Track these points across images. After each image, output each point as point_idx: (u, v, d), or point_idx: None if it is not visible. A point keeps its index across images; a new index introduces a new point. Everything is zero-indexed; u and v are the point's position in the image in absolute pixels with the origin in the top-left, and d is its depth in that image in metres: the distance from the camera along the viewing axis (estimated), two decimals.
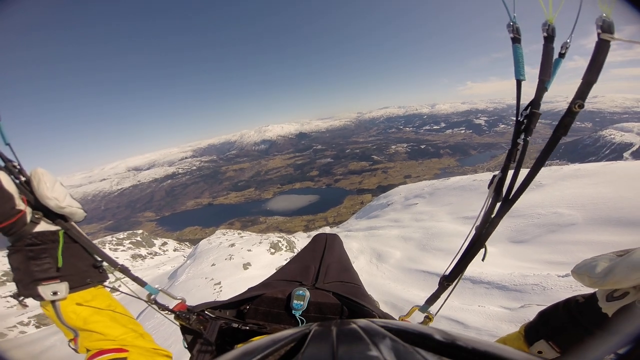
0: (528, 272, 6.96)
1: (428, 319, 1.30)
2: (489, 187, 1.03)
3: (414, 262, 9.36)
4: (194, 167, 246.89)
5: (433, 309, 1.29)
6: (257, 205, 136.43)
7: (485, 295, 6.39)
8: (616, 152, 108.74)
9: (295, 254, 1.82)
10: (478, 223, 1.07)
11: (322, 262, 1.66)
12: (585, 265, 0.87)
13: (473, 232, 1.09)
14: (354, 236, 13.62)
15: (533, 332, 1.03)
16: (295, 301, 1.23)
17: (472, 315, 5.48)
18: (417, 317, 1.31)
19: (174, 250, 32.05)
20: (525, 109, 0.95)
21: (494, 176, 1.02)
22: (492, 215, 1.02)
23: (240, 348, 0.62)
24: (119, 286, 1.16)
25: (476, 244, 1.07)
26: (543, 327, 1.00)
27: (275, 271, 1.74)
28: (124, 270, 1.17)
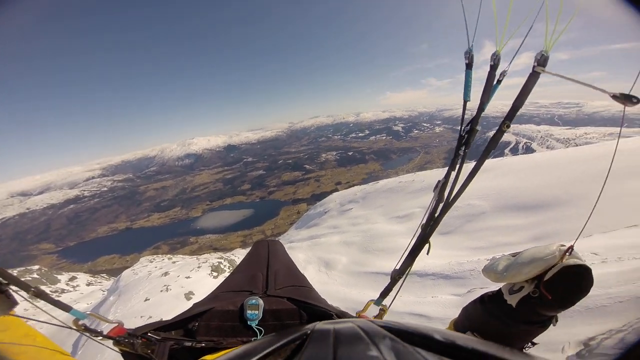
0: (462, 259, 7.97)
1: (382, 311, 1.36)
2: (433, 191, 1.21)
3: (361, 265, 9.82)
4: (105, 188, 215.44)
5: (387, 301, 1.39)
6: (185, 225, 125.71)
7: (434, 286, 7.08)
8: (500, 149, 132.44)
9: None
10: (424, 222, 1.24)
11: (269, 269, 1.61)
12: (491, 265, 1.12)
13: (419, 230, 1.26)
14: (298, 247, 13.64)
15: (460, 326, 1.15)
16: (249, 311, 1.19)
17: (429, 306, 6.01)
18: (373, 311, 1.37)
19: (88, 284, 27.40)
20: (467, 125, 1.15)
21: (439, 181, 1.20)
22: (436, 215, 1.20)
23: (240, 348, 0.61)
24: (33, 315, 1.02)
25: (422, 240, 1.25)
26: (467, 321, 1.12)
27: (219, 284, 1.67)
28: (40, 294, 1.02)
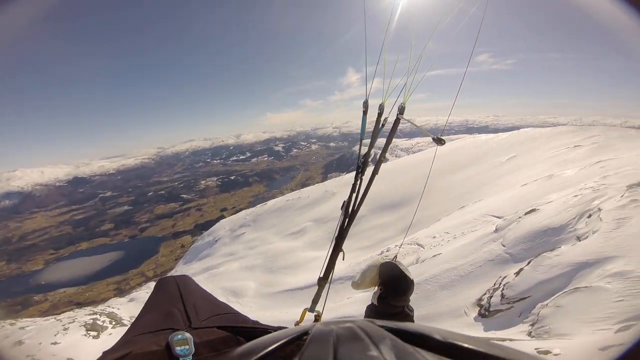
0: (358, 259, 9.03)
1: (318, 316, 1.44)
2: (341, 209, 1.52)
3: (271, 286, 9.66)
4: None
5: (320, 307, 1.50)
6: (21, 281, 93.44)
7: (344, 289, 7.68)
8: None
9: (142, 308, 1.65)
10: (336, 234, 1.51)
11: (186, 303, 1.48)
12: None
13: (334, 241, 1.54)
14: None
15: None
16: (178, 348, 1.07)
17: (349, 307, 6.50)
18: (308, 318, 1.48)
19: None
20: (363, 157, 1.52)
21: (344, 201, 1.52)
22: (344, 228, 1.51)
23: (239, 348, 0.61)
24: None
25: (336, 249, 1.49)
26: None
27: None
28: None
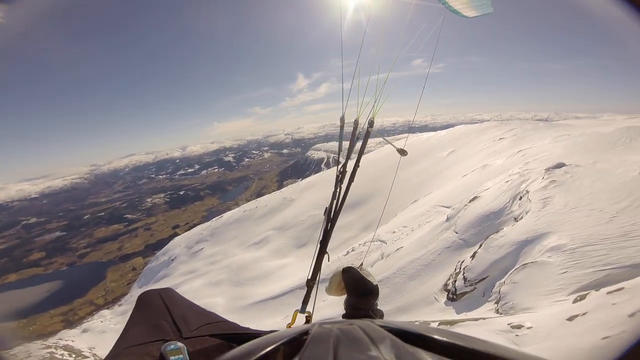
0: (325, 262, 9.15)
1: (309, 317, 1.49)
2: (324, 214, 1.60)
3: (241, 299, 9.40)
4: None
5: (310, 308, 1.58)
6: None
7: (318, 292, 7.73)
8: (318, 165, 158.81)
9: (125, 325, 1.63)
10: (320, 238, 1.58)
11: (173, 315, 1.45)
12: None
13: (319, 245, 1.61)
14: None
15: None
16: (172, 357, 1.07)
17: (329, 309, 6.51)
18: (300, 319, 1.54)
19: None
20: (341, 167, 1.63)
21: (326, 208, 1.60)
22: (327, 232, 1.57)
23: (239, 348, 0.63)
24: None
25: (321, 252, 1.55)
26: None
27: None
28: None
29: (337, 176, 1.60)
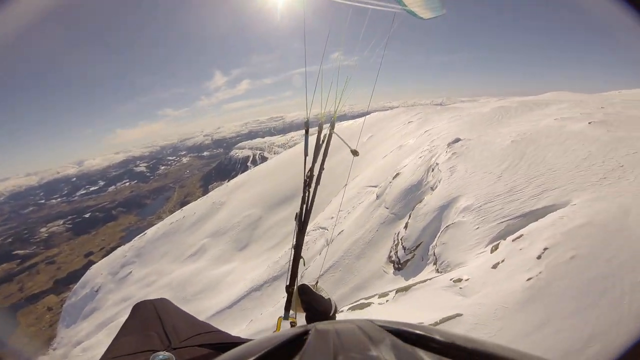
0: (274, 259, 9.28)
1: (294, 322, 1.49)
2: (295, 220, 1.61)
3: (194, 315, 8.83)
4: None
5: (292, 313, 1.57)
6: None
7: (274, 291, 7.72)
8: (244, 164, 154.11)
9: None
10: (294, 243, 1.61)
11: (165, 325, 1.45)
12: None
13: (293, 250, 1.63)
14: (93, 345, 9.95)
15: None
16: None
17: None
18: (285, 325, 1.54)
19: None
20: (308, 171, 1.61)
21: (296, 213, 1.61)
22: (300, 236, 1.59)
23: (238, 348, 0.63)
24: None
25: (296, 257, 1.57)
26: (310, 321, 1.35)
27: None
28: None
29: (305, 180, 1.60)
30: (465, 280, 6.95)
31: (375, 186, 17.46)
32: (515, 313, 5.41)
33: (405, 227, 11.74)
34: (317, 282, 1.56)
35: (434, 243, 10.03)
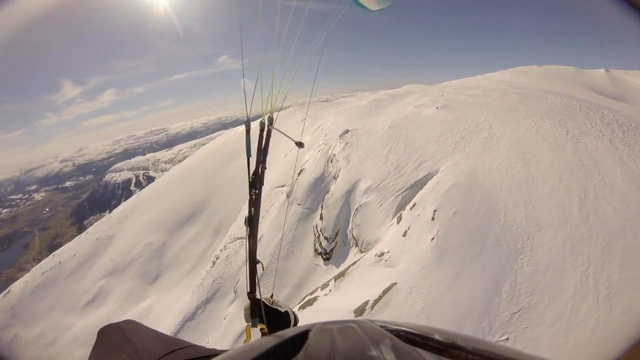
0: (197, 281, 8.52)
1: (263, 330, 1.46)
2: (245, 224, 1.53)
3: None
4: None
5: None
6: None
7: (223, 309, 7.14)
8: (126, 189, 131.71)
9: None
10: (249, 248, 1.55)
11: (135, 347, 1.36)
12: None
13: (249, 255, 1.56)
14: None
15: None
16: None
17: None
18: (255, 333, 1.50)
19: None
20: (253, 174, 1.56)
21: (245, 217, 1.53)
22: (252, 240, 1.54)
23: (237, 348, 0.64)
24: None
25: (252, 262, 1.53)
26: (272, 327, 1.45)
27: None
28: None
29: (250, 182, 1.54)
30: (387, 252, 8.02)
31: (283, 186, 18.06)
32: (434, 270, 6.48)
33: (321, 218, 12.73)
34: (272, 295, 1.58)
35: (349, 227, 11.20)
